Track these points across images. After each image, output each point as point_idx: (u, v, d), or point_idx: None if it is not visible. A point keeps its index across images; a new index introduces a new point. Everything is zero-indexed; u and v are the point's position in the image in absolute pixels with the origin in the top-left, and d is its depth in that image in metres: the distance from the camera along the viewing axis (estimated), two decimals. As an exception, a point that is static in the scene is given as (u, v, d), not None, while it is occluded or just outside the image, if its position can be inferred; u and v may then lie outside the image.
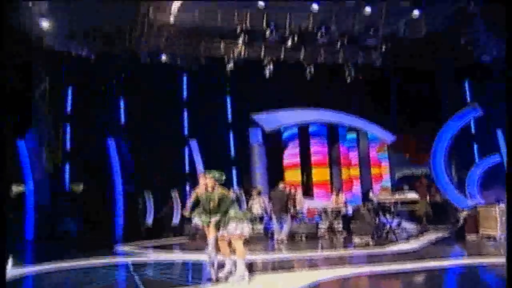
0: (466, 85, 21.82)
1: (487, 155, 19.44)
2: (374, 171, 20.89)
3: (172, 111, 20.84)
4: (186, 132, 21.45)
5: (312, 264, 9.93)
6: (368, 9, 15.82)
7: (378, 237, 13.60)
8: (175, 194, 18.04)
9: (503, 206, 13.33)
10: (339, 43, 17.38)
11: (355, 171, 20.71)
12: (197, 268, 9.38)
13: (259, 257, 10.59)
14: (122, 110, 20.66)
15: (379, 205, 14.34)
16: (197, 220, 8.06)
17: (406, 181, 20.11)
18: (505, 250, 9.01)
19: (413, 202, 16.52)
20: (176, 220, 17.67)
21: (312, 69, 18.80)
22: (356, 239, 13.34)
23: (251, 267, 8.45)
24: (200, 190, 7.90)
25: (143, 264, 10.53)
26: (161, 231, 17.39)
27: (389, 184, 20.78)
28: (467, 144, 20.91)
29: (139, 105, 19.58)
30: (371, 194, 16.40)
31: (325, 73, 19.37)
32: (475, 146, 21.06)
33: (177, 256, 12.33)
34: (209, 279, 7.73)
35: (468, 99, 21.53)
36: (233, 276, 7.54)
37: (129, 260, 11.09)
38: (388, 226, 14.00)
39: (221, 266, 8.07)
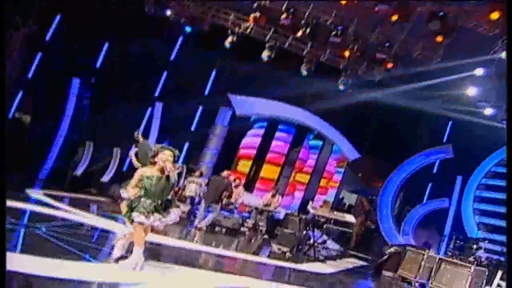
0: (449, 125, 21.47)
1: (438, 197, 19.44)
2: (323, 183, 20.77)
3: (152, 70, 20.24)
4: (156, 94, 21.07)
5: (214, 265, 9.50)
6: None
7: (298, 250, 13.38)
8: (116, 152, 17.72)
9: (432, 253, 13.37)
10: (348, 49, 16.70)
11: (304, 178, 20.54)
12: (101, 239, 8.91)
13: (165, 243, 9.78)
14: (102, 54, 20.23)
15: (313, 218, 14.21)
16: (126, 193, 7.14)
17: (350, 200, 20.06)
18: None
19: (347, 225, 16.43)
20: (106, 178, 17.33)
21: (312, 67, 18.11)
22: (274, 247, 13.11)
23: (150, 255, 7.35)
24: (159, 168, 6.65)
25: (44, 216, 9.88)
26: (86, 185, 16.91)
27: (331, 200, 20.69)
28: (423, 182, 20.69)
29: (121, 54, 18.99)
30: (309, 205, 16.26)
31: (320, 74, 18.36)
32: (429, 186, 20.73)
33: (88, 218, 11.48)
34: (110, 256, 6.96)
35: (445, 139, 21.21)
36: (126, 260, 6.63)
37: (33, 208, 10.62)
38: (312, 240, 13.84)
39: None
